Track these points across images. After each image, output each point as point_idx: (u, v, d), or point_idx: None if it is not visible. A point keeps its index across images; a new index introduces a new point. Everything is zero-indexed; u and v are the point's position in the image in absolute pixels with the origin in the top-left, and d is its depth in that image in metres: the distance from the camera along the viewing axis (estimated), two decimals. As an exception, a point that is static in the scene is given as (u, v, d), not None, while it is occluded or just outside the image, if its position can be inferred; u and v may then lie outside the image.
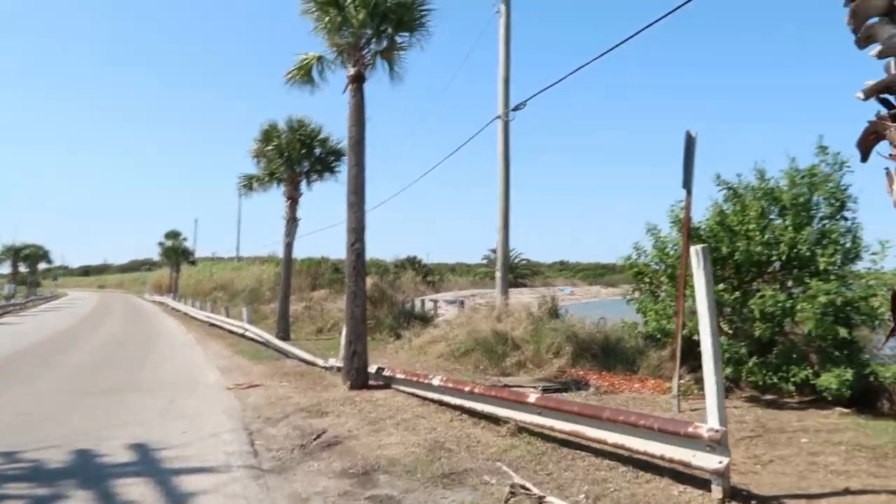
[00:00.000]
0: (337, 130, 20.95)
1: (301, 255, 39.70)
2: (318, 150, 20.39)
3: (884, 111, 2.71)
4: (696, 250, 5.19)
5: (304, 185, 20.56)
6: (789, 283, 9.05)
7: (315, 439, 6.91)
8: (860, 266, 8.79)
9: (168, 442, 6.73)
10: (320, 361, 12.54)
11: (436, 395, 8.36)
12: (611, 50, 11.80)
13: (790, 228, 8.75)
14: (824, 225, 8.97)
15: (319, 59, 11.78)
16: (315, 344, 17.09)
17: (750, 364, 8.42)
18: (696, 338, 9.05)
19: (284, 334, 18.94)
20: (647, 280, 10.41)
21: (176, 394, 9.84)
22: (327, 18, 10.79)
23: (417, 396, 8.85)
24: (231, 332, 21.27)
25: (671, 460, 5.06)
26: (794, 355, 8.35)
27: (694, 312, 9.20)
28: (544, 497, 4.86)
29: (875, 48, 2.70)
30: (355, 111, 10.73)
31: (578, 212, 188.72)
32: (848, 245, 8.73)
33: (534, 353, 11.77)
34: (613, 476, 5.36)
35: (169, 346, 18.34)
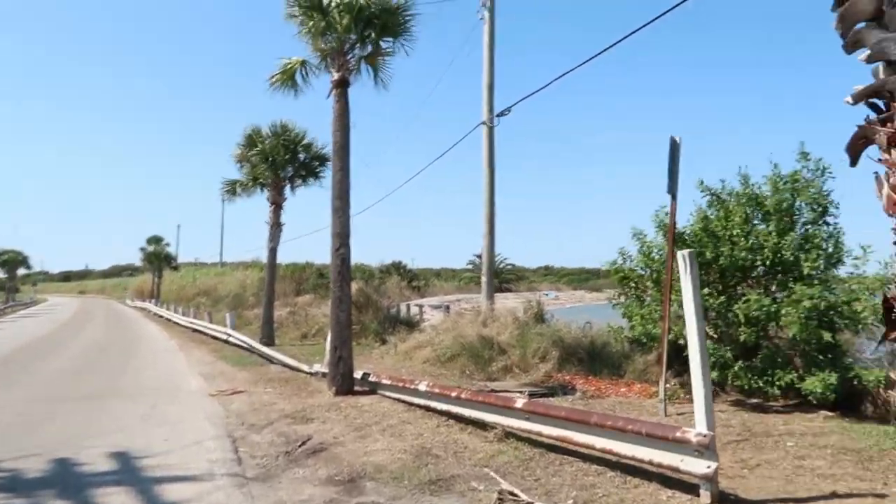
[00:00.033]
0: (321, 135, 20.87)
1: (285, 261, 39.49)
2: (302, 156, 20.30)
3: (873, 116, 2.72)
4: (682, 255, 5.19)
5: (288, 190, 20.46)
6: (773, 288, 9.12)
7: (300, 446, 6.83)
8: (842, 270, 8.89)
9: (150, 450, 6.63)
10: (305, 367, 12.44)
11: (422, 401, 8.30)
12: (595, 56, 11.92)
13: (774, 234, 8.81)
14: (807, 230, 9.05)
15: (303, 63, 11.71)
16: (300, 349, 16.97)
17: (735, 368, 8.46)
18: (681, 342, 9.13)
19: (269, 340, 18.78)
20: (633, 285, 10.43)
21: (158, 400, 9.70)
22: (311, 23, 10.73)
23: (403, 402, 8.78)
24: (214, 337, 21.05)
25: (659, 465, 5.05)
26: (779, 359, 8.40)
27: (679, 317, 9.27)
28: (532, 503, 4.83)
29: (863, 53, 2.71)
30: (340, 116, 10.67)
31: (563, 217, 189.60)
32: (830, 250, 8.81)
33: (520, 357, 11.76)
34: (601, 481, 5.34)
35: (151, 351, 18.11)
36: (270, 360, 14.67)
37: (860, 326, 8.22)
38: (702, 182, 9.90)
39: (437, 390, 8.04)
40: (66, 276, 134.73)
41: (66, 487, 5.42)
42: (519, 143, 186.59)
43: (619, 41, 11.26)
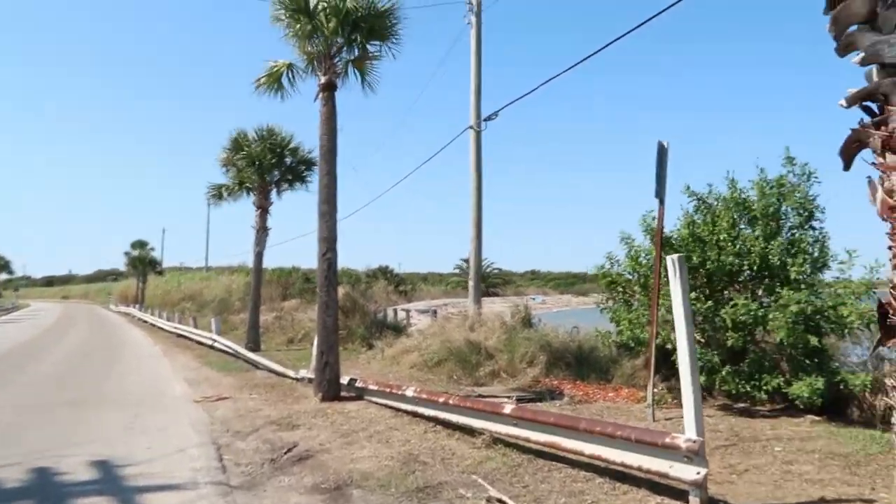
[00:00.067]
0: (308, 139, 20.85)
1: (272, 265, 39.26)
2: (289, 160, 20.20)
3: (867, 119, 2.69)
4: (672, 260, 5.17)
5: (274, 194, 20.36)
6: (760, 292, 9.14)
7: (286, 453, 6.74)
8: (827, 275, 8.92)
9: (132, 458, 6.51)
10: (291, 373, 12.33)
11: (409, 407, 8.24)
12: (582, 61, 11.91)
13: (760, 238, 8.83)
14: (793, 234, 9.08)
15: (290, 66, 11.63)
16: (286, 355, 16.84)
17: (723, 373, 8.46)
18: (669, 346, 9.15)
19: (254, 345, 18.62)
20: (621, 289, 10.42)
21: (141, 407, 9.56)
22: (298, 26, 10.66)
23: (391, 408, 8.71)
24: (199, 343, 20.85)
25: (648, 471, 5.02)
26: (766, 364, 8.42)
27: (667, 321, 9.28)
28: (521, 511, 4.78)
29: (855, 56, 2.69)
30: (327, 120, 10.59)
31: (549, 221, 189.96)
32: (816, 254, 8.84)
33: (507, 362, 11.72)
34: (590, 488, 5.30)
35: (135, 357, 17.89)
36: (256, 365, 14.54)
37: (846, 331, 8.24)
38: (688, 187, 9.92)
39: (424, 396, 7.98)
40: (50, 281, 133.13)
41: (46, 498, 5.30)
42: (506, 148, 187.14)
43: (604, 48, 11.28)
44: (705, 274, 9.08)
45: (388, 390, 8.90)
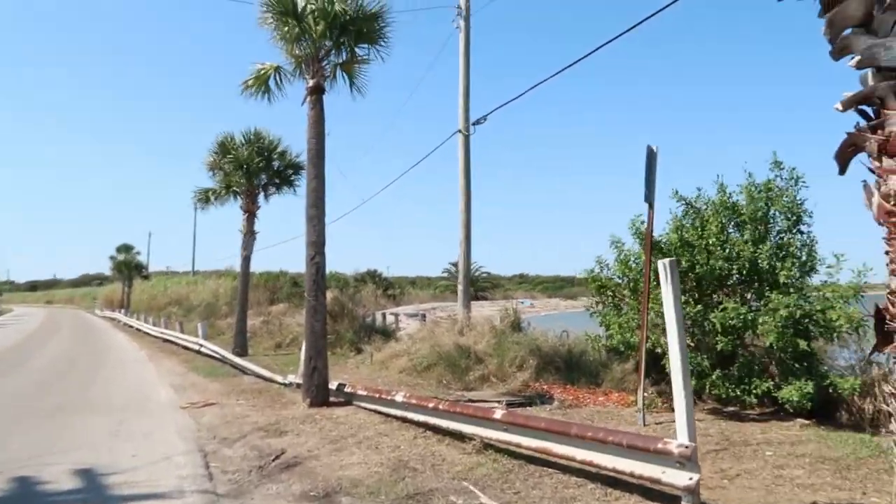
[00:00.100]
0: (295, 143, 20.78)
1: (259, 269, 39.14)
2: (276, 163, 20.13)
3: (863, 123, 2.67)
4: (663, 264, 5.14)
5: (261, 198, 20.28)
6: (749, 296, 9.16)
7: (274, 460, 6.65)
8: (815, 279, 8.96)
9: (117, 466, 6.39)
10: (279, 378, 12.22)
11: (399, 412, 8.17)
12: (570, 66, 11.96)
13: (749, 243, 8.85)
14: (782, 238, 9.11)
15: (277, 69, 11.55)
16: (273, 359, 16.71)
17: (714, 377, 8.46)
18: (658, 350, 9.16)
19: (242, 350, 18.48)
20: (611, 293, 10.42)
21: (126, 413, 9.43)
22: (285, 28, 10.59)
23: (380, 413, 8.64)
24: (186, 348, 20.65)
25: (640, 477, 4.98)
26: (756, 367, 8.43)
27: (656, 325, 9.28)
28: (513, 518, 4.73)
29: (851, 59, 2.67)
30: (315, 123, 10.51)
31: (537, 225, 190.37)
32: (804, 258, 8.87)
33: (497, 366, 11.68)
34: (582, 494, 5.26)
35: (120, 362, 17.69)
36: (243, 370, 14.41)
37: (835, 335, 8.27)
38: (676, 192, 9.93)
39: (414, 401, 7.91)
40: (33, 286, 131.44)
41: (27, 507, 5.20)
42: (495, 152, 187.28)
43: (590, 53, 11.35)
44: (694, 278, 9.08)
45: (377, 395, 8.83)
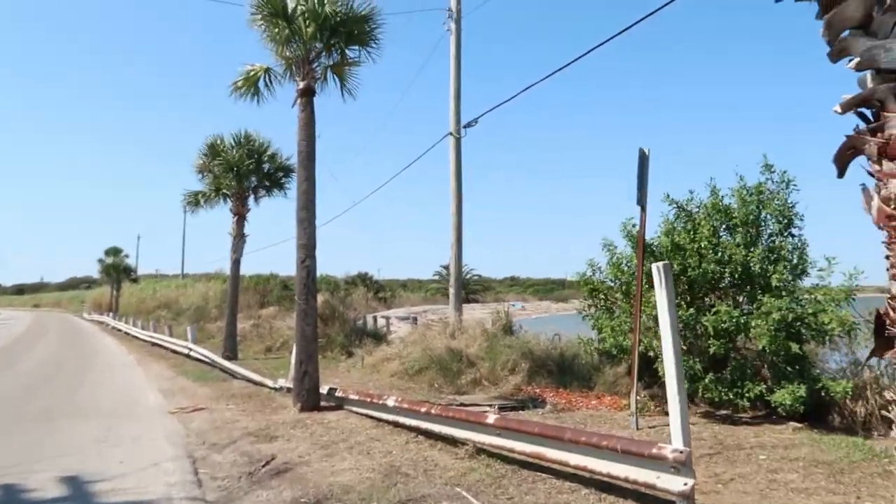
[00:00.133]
0: (284, 145, 20.66)
1: (249, 272, 38.97)
2: (266, 166, 20.01)
3: (862, 125, 2.64)
4: (657, 268, 5.10)
5: (251, 200, 20.13)
6: (741, 299, 9.15)
7: (264, 466, 6.57)
8: (806, 282, 8.97)
9: (104, 473, 6.29)
10: (269, 382, 12.12)
11: (391, 417, 8.10)
12: (561, 69, 11.94)
13: (742, 246, 8.85)
14: (773, 242, 9.12)
15: (267, 70, 11.46)
16: (264, 363, 16.59)
17: (706, 381, 8.44)
18: (651, 354, 9.14)
19: (231, 354, 18.33)
20: (603, 297, 10.39)
21: (114, 418, 9.31)
22: (276, 30, 10.51)
23: (371, 418, 8.57)
24: (175, 352, 20.48)
25: (635, 482, 4.94)
26: (748, 371, 8.42)
27: (648, 328, 9.26)
28: (507, 524, 4.67)
29: (850, 61, 2.64)
30: (305, 126, 10.43)
31: (529, 228, 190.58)
32: (795, 261, 8.88)
33: (489, 370, 11.63)
34: (576, 499, 5.22)
35: (108, 366, 17.50)
36: (233, 374, 14.28)
37: (827, 338, 8.27)
38: (668, 195, 9.92)
39: (405, 406, 7.85)
40: (20, 290, 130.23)
41: (12, 516, 5.10)
42: (486, 154, 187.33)
43: (581, 56, 11.36)
44: (686, 281, 9.07)
45: (368, 400, 8.76)
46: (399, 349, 14.46)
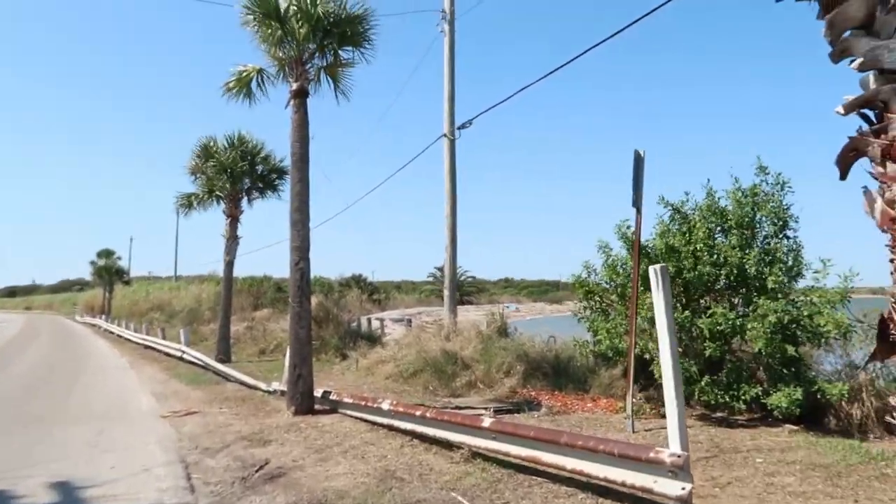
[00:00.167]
0: (278, 147, 20.63)
1: (243, 274, 38.82)
2: (260, 168, 19.92)
3: (865, 127, 2.61)
4: (654, 270, 5.06)
5: (245, 202, 20.04)
6: (736, 301, 9.14)
7: (257, 471, 6.50)
8: (801, 283, 8.95)
9: (95, 478, 6.21)
10: (263, 385, 12.03)
11: (385, 420, 8.04)
12: (556, 70, 11.93)
13: (737, 248, 8.82)
14: (768, 243, 9.10)
15: (260, 71, 11.37)
16: (257, 366, 16.51)
17: (702, 383, 8.42)
18: (646, 356, 9.11)
19: (225, 356, 18.24)
20: (598, 299, 10.36)
21: (106, 423, 9.22)
22: (268, 31, 10.43)
23: (366, 421, 8.50)
24: (168, 354, 20.37)
25: (632, 486, 4.89)
26: (744, 373, 8.40)
27: (643, 330, 9.23)
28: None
29: (851, 61, 2.61)
30: (299, 127, 10.36)
31: (523, 229, 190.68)
32: (790, 263, 8.87)
33: (484, 372, 11.58)
34: (573, 504, 5.17)
35: (100, 369, 17.39)
36: (227, 377, 14.19)
37: (823, 340, 8.26)
38: (662, 197, 9.90)
39: (400, 409, 7.79)
40: (12, 292, 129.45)
41: (1, 523, 5.02)
42: (481, 156, 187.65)
43: (575, 58, 11.35)
44: (682, 283, 9.05)
45: (363, 403, 8.69)
46: (394, 352, 14.39)
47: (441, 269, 18.96)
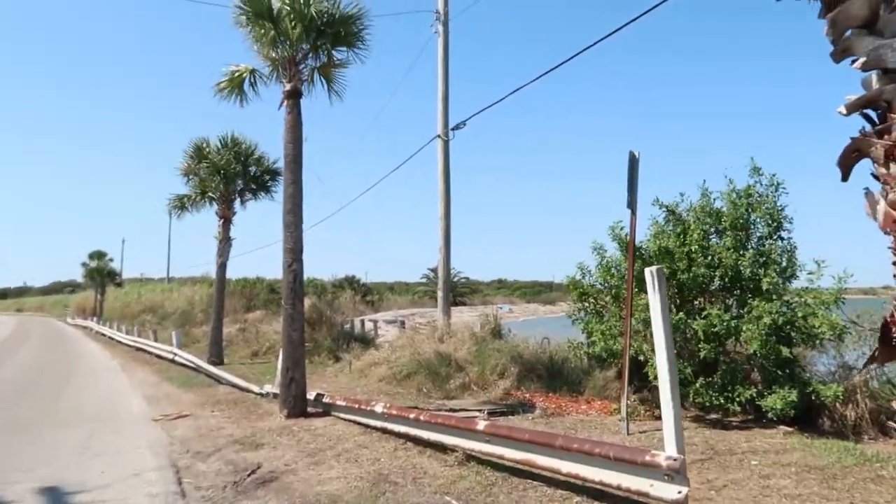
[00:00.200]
0: (271, 147, 20.55)
1: (235, 276, 38.62)
2: (253, 169, 19.84)
3: (868, 128, 2.57)
4: (650, 272, 5.02)
5: (238, 204, 19.96)
6: (730, 303, 9.12)
7: (249, 475, 6.43)
8: (795, 285, 8.94)
9: (85, 484, 6.13)
10: (255, 388, 11.94)
11: (379, 423, 7.98)
12: (550, 71, 11.90)
13: (731, 250, 8.80)
14: (762, 245, 9.09)
15: (253, 72, 11.30)
16: (250, 368, 16.41)
17: (697, 385, 8.39)
18: (641, 358, 9.08)
19: (217, 359, 18.12)
20: (592, 300, 10.33)
21: (97, 426, 9.12)
22: (261, 31, 10.36)
23: (359, 424, 8.44)
24: (159, 357, 20.23)
25: (628, 490, 4.86)
26: (738, 375, 8.38)
27: (637, 332, 9.21)
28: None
29: (854, 60, 2.57)
30: (292, 128, 10.28)
31: (516, 230, 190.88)
32: (784, 264, 8.85)
33: (478, 374, 11.52)
34: (568, 508, 5.13)
35: (91, 371, 17.25)
36: (219, 380, 14.09)
37: (817, 341, 8.24)
38: (657, 199, 9.87)
39: (394, 412, 7.73)
40: (3, 294, 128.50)
41: (-13, 530, 4.93)
42: (475, 156, 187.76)
43: (569, 60, 11.33)
44: (676, 285, 9.03)
45: (356, 406, 8.63)
46: (387, 353, 14.31)
47: (434, 271, 18.90)
